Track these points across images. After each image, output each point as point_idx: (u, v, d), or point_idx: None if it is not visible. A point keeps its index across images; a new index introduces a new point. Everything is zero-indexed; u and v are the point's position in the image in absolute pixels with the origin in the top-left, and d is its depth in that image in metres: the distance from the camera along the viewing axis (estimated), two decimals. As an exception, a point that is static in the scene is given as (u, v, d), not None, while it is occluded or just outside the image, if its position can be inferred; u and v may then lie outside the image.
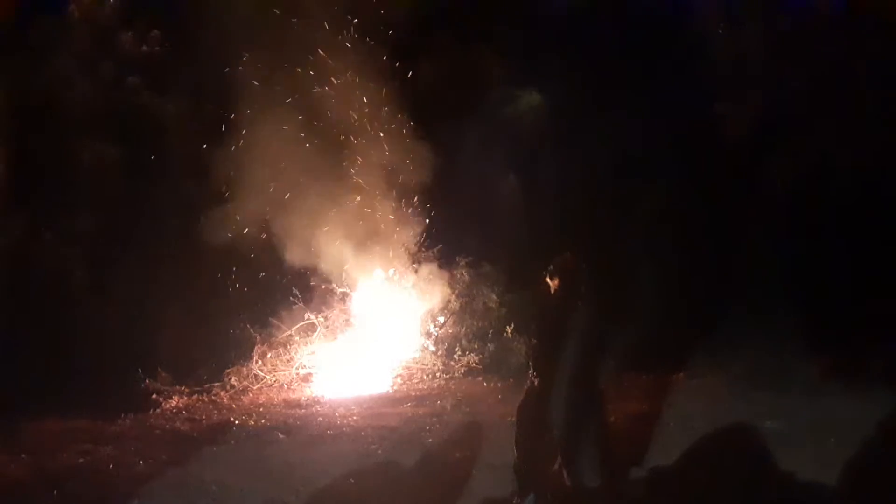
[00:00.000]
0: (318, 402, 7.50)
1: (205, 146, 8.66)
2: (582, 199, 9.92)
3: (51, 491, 4.47)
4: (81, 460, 5.28)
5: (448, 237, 9.32)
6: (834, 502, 4.41)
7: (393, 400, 7.53)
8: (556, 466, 4.32)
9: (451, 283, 9.27)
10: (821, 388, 6.84)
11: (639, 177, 9.97)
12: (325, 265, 9.01)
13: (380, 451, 5.59)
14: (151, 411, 7.12)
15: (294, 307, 8.97)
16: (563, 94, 10.05)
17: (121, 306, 8.26)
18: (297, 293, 8.99)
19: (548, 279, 4.55)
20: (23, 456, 5.26)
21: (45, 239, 7.92)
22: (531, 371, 4.54)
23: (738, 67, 10.46)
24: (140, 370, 7.86)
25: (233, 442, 5.99)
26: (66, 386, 6.95)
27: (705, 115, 10.33)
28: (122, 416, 6.76)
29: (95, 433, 6.13)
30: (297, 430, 6.31)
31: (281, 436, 6.09)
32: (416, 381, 8.37)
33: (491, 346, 8.64)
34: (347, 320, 9.04)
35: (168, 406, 7.37)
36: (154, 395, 7.56)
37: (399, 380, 8.40)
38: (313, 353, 8.67)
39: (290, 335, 8.85)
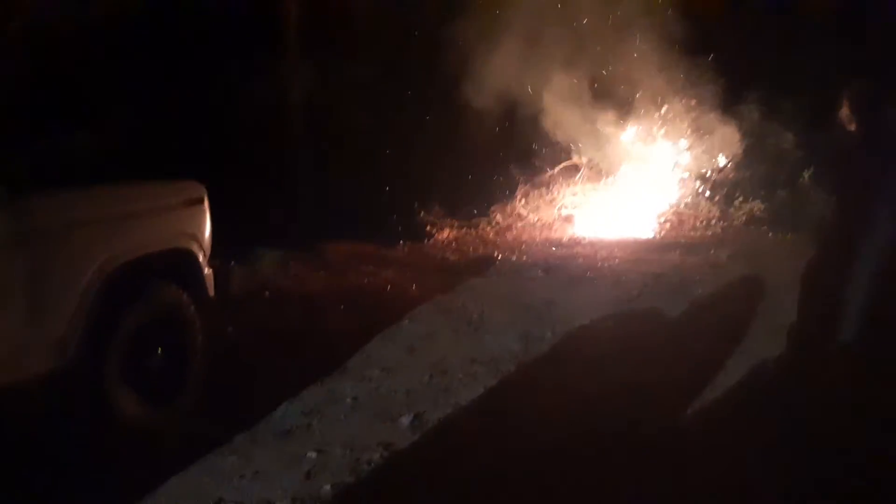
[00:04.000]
0: (579, 244, 7.36)
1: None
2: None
3: (338, 305, 5.10)
4: (366, 280, 5.92)
5: (732, 63, 7.93)
6: None
7: (660, 246, 7.06)
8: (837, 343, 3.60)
9: (737, 120, 8.06)
10: None
11: None
12: (594, 99, 8.41)
13: (642, 297, 5.29)
14: (426, 241, 7.69)
15: (557, 148, 8.70)
16: None
17: (404, 150, 8.76)
18: (563, 131, 8.62)
19: (841, 113, 3.66)
20: (321, 272, 6.08)
21: (334, 88, 8.51)
22: (827, 227, 3.77)
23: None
24: (418, 204, 8.46)
25: (495, 276, 6.18)
26: (360, 216, 7.73)
27: None
28: (402, 243, 7.40)
29: (379, 257, 6.80)
30: (556, 269, 6.26)
31: (541, 273, 6.11)
32: (687, 228, 7.73)
33: (783, 193, 7.48)
34: (615, 161, 8.52)
35: (440, 237, 7.89)
36: (429, 227, 8.14)
37: (668, 225, 7.82)
38: (576, 194, 8.44)
39: (554, 176, 8.69)
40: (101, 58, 6.68)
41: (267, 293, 5.44)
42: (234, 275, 3.99)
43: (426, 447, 3.16)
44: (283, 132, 7.96)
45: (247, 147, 7.41)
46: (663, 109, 8.43)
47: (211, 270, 3.73)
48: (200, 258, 3.66)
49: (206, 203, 3.73)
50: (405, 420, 3.35)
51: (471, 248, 7.37)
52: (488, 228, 8.20)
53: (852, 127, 3.68)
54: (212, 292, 3.75)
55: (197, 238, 3.63)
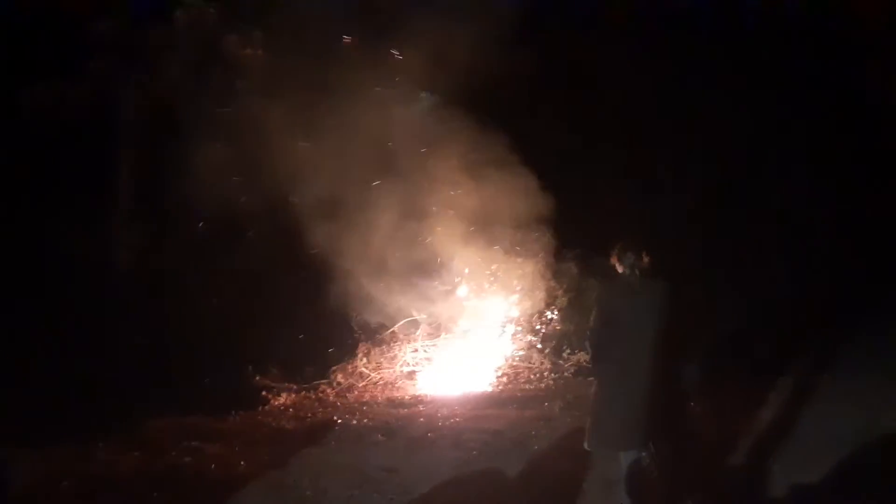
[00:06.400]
0: (421, 402, 7.30)
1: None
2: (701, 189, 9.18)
3: (152, 492, 4.51)
4: (188, 459, 5.34)
5: (553, 229, 8.81)
6: None
7: (498, 400, 7.19)
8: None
9: (558, 278, 8.78)
10: None
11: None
12: (427, 262, 8.80)
13: (482, 458, 5.26)
14: (260, 408, 7.19)
15: (397, 305, 8.84)
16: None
17: (233, 308, 8.43)
18: (400, 291, 8.84)
19: (611, 264, 4.21)
20: (135, 453, 5.39)
21: (159, 243, 8.22)
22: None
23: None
24: (251, 367, 8.00)
25: (334, 443, 5.89)
26: (182, 383, 7.13)
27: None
28: (233, 412, 6.84)
29: (205, 430, 6.21)
30: (398, 431, 6.12)
31: (381, 437, 5.93)
32: (522, 380, 7.99)
33: (602, 345, 8.09)
34: (451, 317, 8.79)
35: (276, 403, 7.43)
36: (263, 392, 7.64)
37: (504, 379, 8.05)
38: (416, 350, 8.51)
39: (394, 333, 8.74)
40: None
41: (64, 483, 4.70)
42: (13, 467, 3.42)
43: None
44: (94, 283, 7.37)
45: (43, 306, 6.72)
46: (493, 267, 8.99)
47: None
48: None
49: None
50: None
51: (309, 414, 7.00)
52: (329, 390, 7.90)
53: (619, 272, 4.18)
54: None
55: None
